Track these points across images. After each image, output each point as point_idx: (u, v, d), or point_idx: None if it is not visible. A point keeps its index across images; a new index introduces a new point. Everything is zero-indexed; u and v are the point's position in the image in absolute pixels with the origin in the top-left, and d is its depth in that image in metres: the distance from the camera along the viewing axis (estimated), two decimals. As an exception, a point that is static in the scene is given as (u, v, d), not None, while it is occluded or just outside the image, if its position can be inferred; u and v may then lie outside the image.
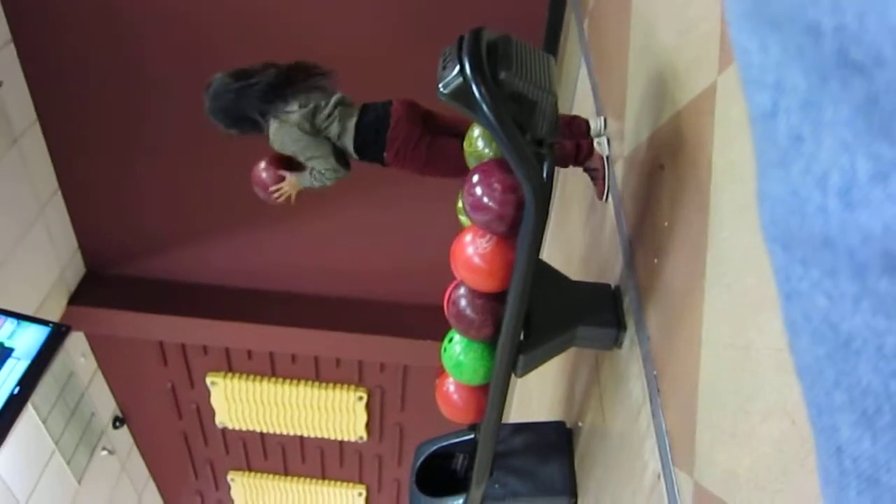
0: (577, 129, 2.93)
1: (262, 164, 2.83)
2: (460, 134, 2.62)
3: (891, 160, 0.27)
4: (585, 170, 2.88)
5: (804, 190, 0.31)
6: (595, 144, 2.80)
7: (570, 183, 3.08)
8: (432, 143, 2.70)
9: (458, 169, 2.68)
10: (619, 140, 2.67)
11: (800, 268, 0.33)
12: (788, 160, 0.31)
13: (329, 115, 2.68)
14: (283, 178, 2.78)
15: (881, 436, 0.31)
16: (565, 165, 2.88)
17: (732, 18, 0.33)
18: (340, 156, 2.73)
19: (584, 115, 3.01)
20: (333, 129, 2.68)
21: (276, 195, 2.83)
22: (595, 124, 2.93)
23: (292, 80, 2.71)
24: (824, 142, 0.29)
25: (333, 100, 2.70)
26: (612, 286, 2.56)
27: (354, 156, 2.75)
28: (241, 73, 2.71)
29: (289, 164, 2.79)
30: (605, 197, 2.81)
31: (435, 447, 3.02)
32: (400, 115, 2.68)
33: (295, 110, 2.65)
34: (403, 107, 2.71)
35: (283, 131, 2.65)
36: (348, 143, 2.71)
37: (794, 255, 0.33)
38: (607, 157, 2.78)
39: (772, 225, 0.34)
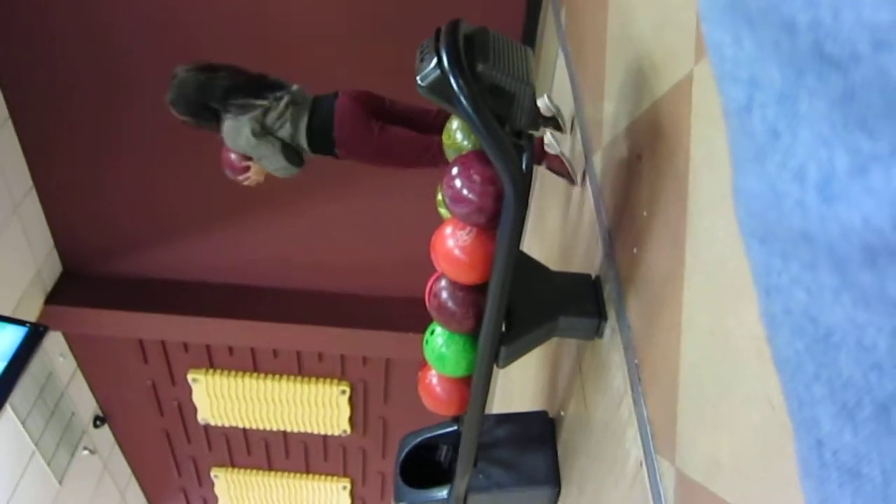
0: None
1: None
2: (415, 122, 2.65)
3: (869, 153, 0.27)
4: (548, 169, 2.93)
5: (781, 184, 0.31)
6: (545, 147, 2.83)
7: (548, 174, 3.09)
8: (380, 136, 2.72)
9: (412, 159, 2.72)
10: (597, 130, 2.67)
11: (779, 262, 0.33)
12: (765, 154, 0.31)
13: (280, 116, 2.71)
14: (248, 168, 2.84)
15: (862, 428, 0.31)
16: (539, 163, 2.91)
17: (706, 14, 0.33)
18: (292, 153, 2.79)
19: (554, 105, 3.04)
20: (286, 131, 2.73)
21: (244, 182, 2.91)
22: (541, 104, 2.96)
23: (255, 87, 2.73)
24: (801, 135, 0.29)
25: (284, 101, 2.72)
26: (593, 276, 2.57)
27: (310, 153, 2.78)
28: (208, 66, 2.76)
29: None
30: (577, 183, 2.85)
31: (419, 439, 3.03)
32: (344, 112, 2.72)
33: (247, 111, 2.69)
34: (349, 102, 2.74)
35: (234, 132, 2.71)
36: (302, 142, 2.75)
37: (773, 249, 0.33)
38: (562, 153, 2.82)
39: (748, 219, 0.34)
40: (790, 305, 0.33)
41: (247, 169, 2.83)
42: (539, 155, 2.84)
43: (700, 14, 0.33)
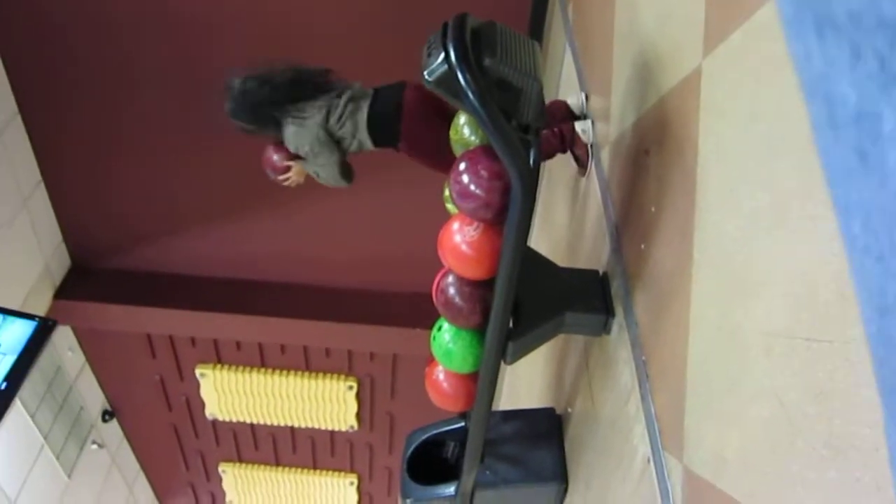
0: (557, 112, 2.95)
1: (272, 148, 2.87)
2: None
3: None
4: (573, 153, 2.90)
5: (891, 204, 0.29)
6: (580, 132, 2.81)
7: (556, 170, 3.08)
8: (444, 134, 2.67)
9: None
10: (604, 125, 2.66)
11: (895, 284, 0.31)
12: (862, 172, 0.30)
13: (341, 116, 2.68)
14: (289, 168, 2.83)
15: None
16: (552, 156, 2.89)
17: (784, 20, 0.31)
18: (347, 169, 2.80)
19: (567, 100, 3.02)
20: (347, 129, 2.70)
21: (284, 182, 2.90)
22: (576, 101, 2.94)
23: (317, 90, 2.71)
24: (889, 157, 0.28)
25: (344, 98, 2.70)
26: (600, 272, 2.56)
27: (372, 148, 2.76)
28: (267, 74, 2.71)
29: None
30: (585, 174, 2.84)
31: (426, 435, 3.03)
32: (415, 104, 2.68)
33: (310, 115, 2.67)
34: (417, 95, 2.69)
35: (299, 137, 2.69)
36: (364, 139, 2.72)
37: (889, 268, 0.31)
38: (591, 145, 2.79)
39: (866, 236, 0.32)
40: None
41: (288, 169, 2.82)
42: (570, 139, 2.81)
43: (781, 22, 0.32)
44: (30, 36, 4.31)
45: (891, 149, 0.28)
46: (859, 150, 0.29)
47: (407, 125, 2.69)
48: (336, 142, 2.72)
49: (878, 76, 0.27)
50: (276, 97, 2.68)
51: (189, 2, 4.19)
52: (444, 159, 2.71)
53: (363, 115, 2.69)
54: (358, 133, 2.71)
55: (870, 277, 0.32)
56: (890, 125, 0.27)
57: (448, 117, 2.67)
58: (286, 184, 2.89)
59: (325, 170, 2.74)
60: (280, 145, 2.82)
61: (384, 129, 2.72)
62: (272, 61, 2.75)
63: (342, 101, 2.69)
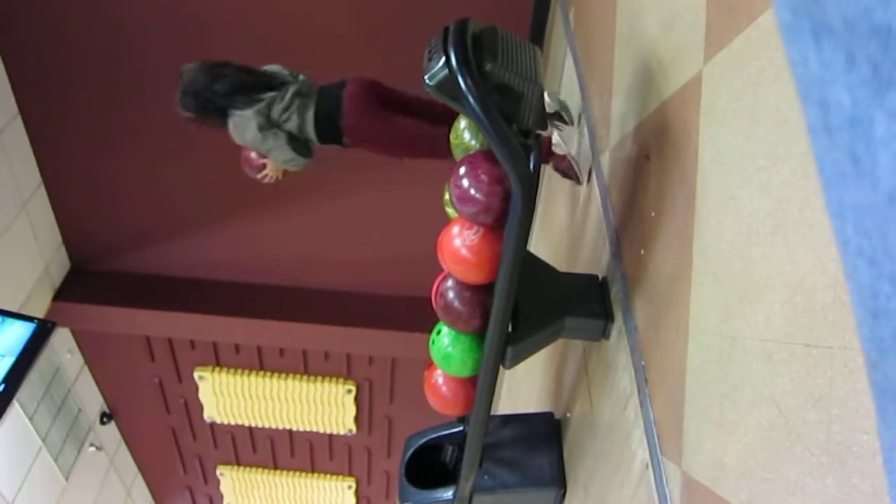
0: None
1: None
2: (423, 112, 2.63)
3: None
4: (555, 169, 2.92)
5: (883, 206, 0.29)
6: (553, 147, 2.83)
7: (555, 175, 3.08)
8: (388, 125, 2.72)
9: (418, 149, 2.72)
10: (605, 130, 2.67)
11: (888, 286, 0.31)
12: (855, 176, 0.30)
13: (286, 109, 2.72)
14: (265, 165, 2.85)
15: None
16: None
17: (780, 26, 0.32)
18: (299, 144, 2.79)
19: (558, 100, 3.04)
20: (292, 123, 2.73)
21: (263, 180, 2.91)
22: (547, 100, 2.97)
23: (260, 84, 2.75)
24: (881, 161, 0.28)
25: (290, 92, 2.72)
26: (600, 277, 2.56)
27: (318, 143, 2.79)
28: (213, 65, 2.77)
29: None
30: (582, 182, 2.85)
31: (424, 439, 3.02)
32: (352, 100, 2.72)
33: (248, 107, 2.69)
34: (358, 89, 2.73)
35: (241, 127, 2.71)
36: (310, 133, 2.75)
37: (882, 271, 0.31)
38: (569, 154, 2.81)
39: (858, 238, 0.32)
40: None
41: (264, 166, 2.84)
42: (546, 154, 2.84)
43: (777, 24, 0.32)
44: (31, 38, 4.31)
45: (882, 152, 0.28)
46: (852, 154, 0.30)
47: (347, 121, 2.72)
48: (281, 130, 2.75)
49: (871, 81, 0.27)
50: (218, 88, 2.71)
51: (190, 4, 4.19)
52: (396, 149, 2.78)
53: (310, 113, 2.73)
54: (305, 127, 2.74)
55: (862, 280, 0.32)
56: (882, 129, 0.28)
57: (394, 107, 2.73)
58: (265, 181, 2.91)
59: (278, 153, 2.75)
60: None
61: (328, 127, 2.75)
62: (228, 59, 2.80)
63: (288, 94, 2.72)
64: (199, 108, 2.77)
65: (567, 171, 2.88)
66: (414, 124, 2.72)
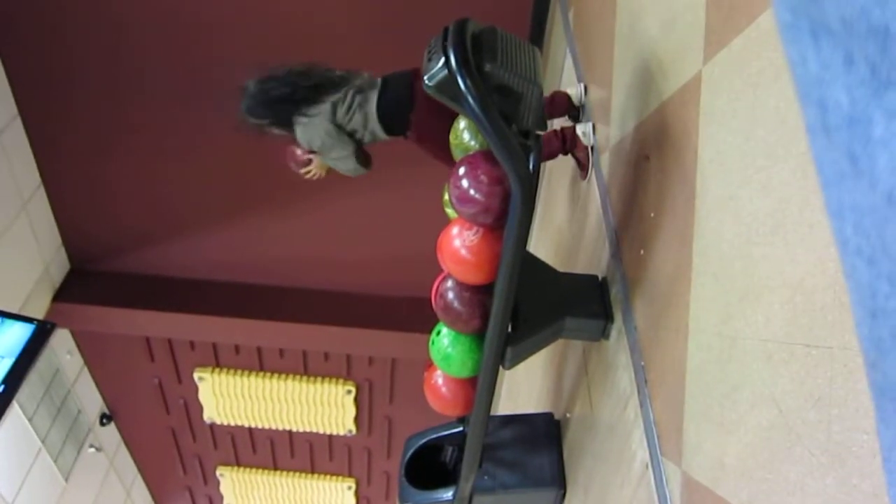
0: (559, 105, 3.01)
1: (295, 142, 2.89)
2: None
3: None
4: (574, 156, 2.92)
5: (882, 206, 0.29)
6: (580, 134, 2.82)
7: (556, 175, 3.09)
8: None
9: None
10: (605, 130, 2.67)
11: (886, 286, 0.31)
12: (854, 175, 0.30)
13: (349, 109, 2.68)
14: (310, 161, 2.84)
15: None
16: (554, 156, 2.91)
17: (779, 26, 0.32)
18: (363, 155, 2.79)
19: (564, 100, 3.04)
20: (357, 121, 2.70)
21: (307, 175, 2.91)
22: (575, 92, 2.97)
23: (326, 88, 2.72)
24: (879, 161, 0.28)
25: (350, 91, 2.70)
26: (600, 277, 2.56)
27: (385, 137, 2.76)
28: (279, 74, 2.74)
29: None
30: (587, 176, 2.85)
31: (424, 440, 3.02)
32: (427, 97, 2.67)
33: (316, 112, 2.68)
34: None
35: (308, 133, 2.70)
36: (376, 128, 2.72)
37: (881, 270, 0.31)
38: (592, 148, 2.80)
39: (857, 238, 0.32)
40: None
41: (310, 162, 2.83)
42: (571, 142, 2.83)
43: (777, 24, 0.32)
44: (31, 38, 4.31)
45: (881, 152, 0.28)
46: (851, 154, 0.30)
47: (418, 114, 2.66)
48: (348, 134, 2.73)
49: (870, 82, 0.28)
50: (293, 94, 2.69)
51: (190, 4, 4.19)
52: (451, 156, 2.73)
53: (372, 106, 2.69)
54: (369, 123, 2.71)
55: (861, 280, 0.32)
56: (880, 129, 0.28)
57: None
58: (308, 177, 2.90)
59: (341, 163, 2.76)
60: None
61: (395, 118, 2.70)
62: (287, 62, 2.78)
63: (349, 94, 2.69)
64: (271, 117, 2.74)
65: (583, 160, 2.88)
66: None
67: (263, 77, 2.75)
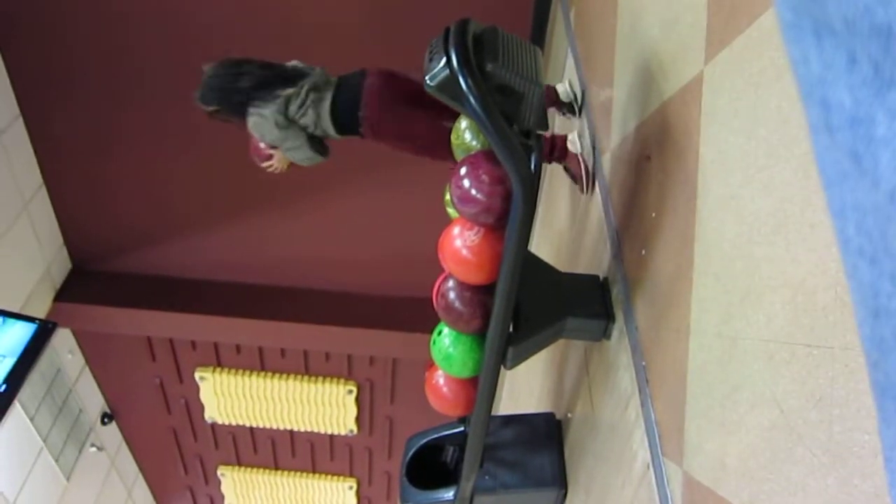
0: (547, 97, 3.00)
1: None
2: (437, 107, 2.62)
3: None
4: (565, 169, 2.91)
5: (884, 205, 0.29)
6: (568, 144, 2.82)
7: (557, 175, 3.09)
8: (406, 118, 2.70)
9: (431, 147, 2.67)
10: (606, 130, 2.67)
11: (888, 285, 0.31)
12: (856, 175, 0.30)
13: (302, 104, 2.69)
14: (272, 155, 2.84)
15: None
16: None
17: (782, 25, 0.31)
18: (316, 142, 2.78)
19: (573, 91, 3.06)
20: (308, 119, 2.71)
21: (269, 169, 2.90)
22: (563, 89, 2.97)
23: (280, 80, 2.73)
24: (882, 160, 0.28)
25: (305, 88, 2.71)
26: (601, 277, 2.56)
27: (336, 136, 2.77)
28: (234, 62, 2.77)
29: None
30: (587, 190, 2.83)
31: (425, 440, 3.02)
32: (373, 90, 2.70)
33: (267, 105, 2.68)
34: (378, 80, 2.71)
35: (259, 125, 2.70)
36: (328, 127, 2.73)
37: (883, 269, 0.31)
38: (582, 156, 2.79)
39: (859, 237, 0.32)
40: None
41: (271, 157, 2.84)
42: (561, 152, 2.83)
43: (780, 26, 0.32)
44: (32, 39, 4.31)
45: (883, 151, 0.28)
46: (853, 153, 0.30)
47: (367, 112, 2.69)
48: (301, 128, 2.74)
49: (873, 81, 0.28)
50: (243, 84, 2.71)
51: (191, 3, 4.20)
52: (410, 143, 2.75)
53: (326, 105, 2.70)
54: (321, 122, 2.72)
55: (863, 279, 0.32)
56: (883, 129, 0.28)
57: (414, 101, 2.69)
58: (270, 170, 2.90)
59: (297, 152, 2.76)
60: None
61: (346, 118, 2.73)
62: (245, 54, 2.80)
63: (303, 91, 2.70)
64: (221, 104, 2.76)
65: (575, 171, 2.86)
66: (430, 120, 2.68)
67: (219, 63, 2.77)
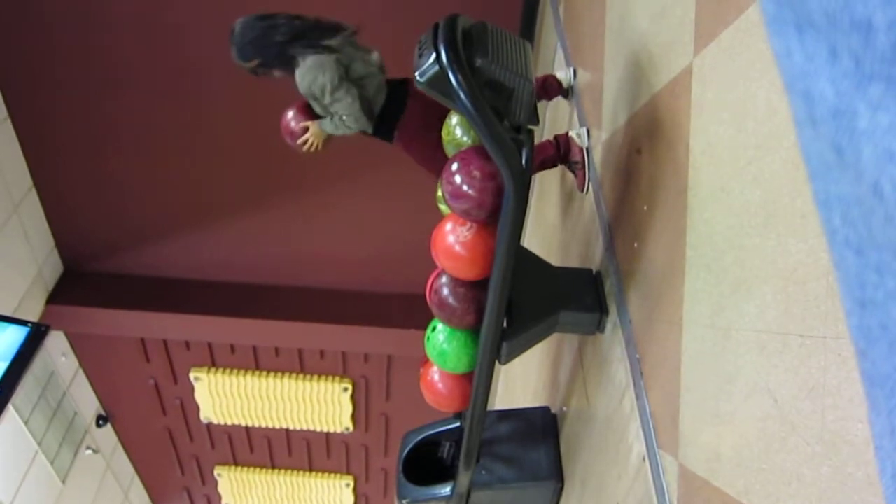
0: (551, 88, 3.04)
1: (290, 113, 2.80)
2: None
3: None
4: (569, 168, 2.89)
5: (868, 197, 0.30)
6: (574, 137, 2.81)
7: (549, 170, 3.09)
8: (439, 144, 2.66)
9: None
10: (596, 125, 2.67)
11: (874, 276, 0.31)
12: (840, 167, 0.30)
13: (369, 75, 2.65)
14: (306, 129, 2.74)
15: None
16: (553, 165, 2.88)
17: (766, 19, 0.32)
18: (368, 106, 2.68)
19: (555, 83, 3.06)
20: (371, 88, 2.66)
21: (303, 147, 2.79)
22: (564, 76, 2.97)
23: (317, 30, 2.67)
24: (864, 152, 0.28)
25: (375, 62, 2.69)
26: (594, 271, 2.57)
27: (369, 132, 2.75)
28: (267, 15, 2.67)
29: (315, 115, 2.77)
30: (585, 189, 2.81)
31: (421, 436, 3.02)
32: (416, 109, 2.68)
33: (334, 45, 2.60)
34: (423, 98, 2.67)
35: (314, 70, 2.58)
36: (378, 105, 2.71)
37: (869, 261, 0.31)
38: (587, 149, 2.78)
39: (845, 228, 0.32)
40: (887, 321, 0.32)
41: (305, 131, 2.73)
42: (565, 145, 2.81)
43: (764, 20, 0.32)
44: (19, 39, 4.29)
45: (866, 144, 0.28)
46: (837, 146, 0.30)
47: (404, 128, 2.70)
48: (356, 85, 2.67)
49: (854, 74, 0.28)
50: (278, 34, 2.62)
51: (180, 3, 4.17)
52: (436, 163, 2.72)
53: (383, 96, 2.69)
54: (377, 98, 2.69)
55: (850, 270, 0.33)
56: (865, 121, 0.28)
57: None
58: (305, 148, 2.78)
59: (344, 105, 2.60)
60: (299, 109, 2.77)
61: (384, 124, 2.72)
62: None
63: (375, 61, 2.68)
64: (262, 56, 2.65)
65: (580, 168, 2.81)
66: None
67: (247, 19, 2.68)
